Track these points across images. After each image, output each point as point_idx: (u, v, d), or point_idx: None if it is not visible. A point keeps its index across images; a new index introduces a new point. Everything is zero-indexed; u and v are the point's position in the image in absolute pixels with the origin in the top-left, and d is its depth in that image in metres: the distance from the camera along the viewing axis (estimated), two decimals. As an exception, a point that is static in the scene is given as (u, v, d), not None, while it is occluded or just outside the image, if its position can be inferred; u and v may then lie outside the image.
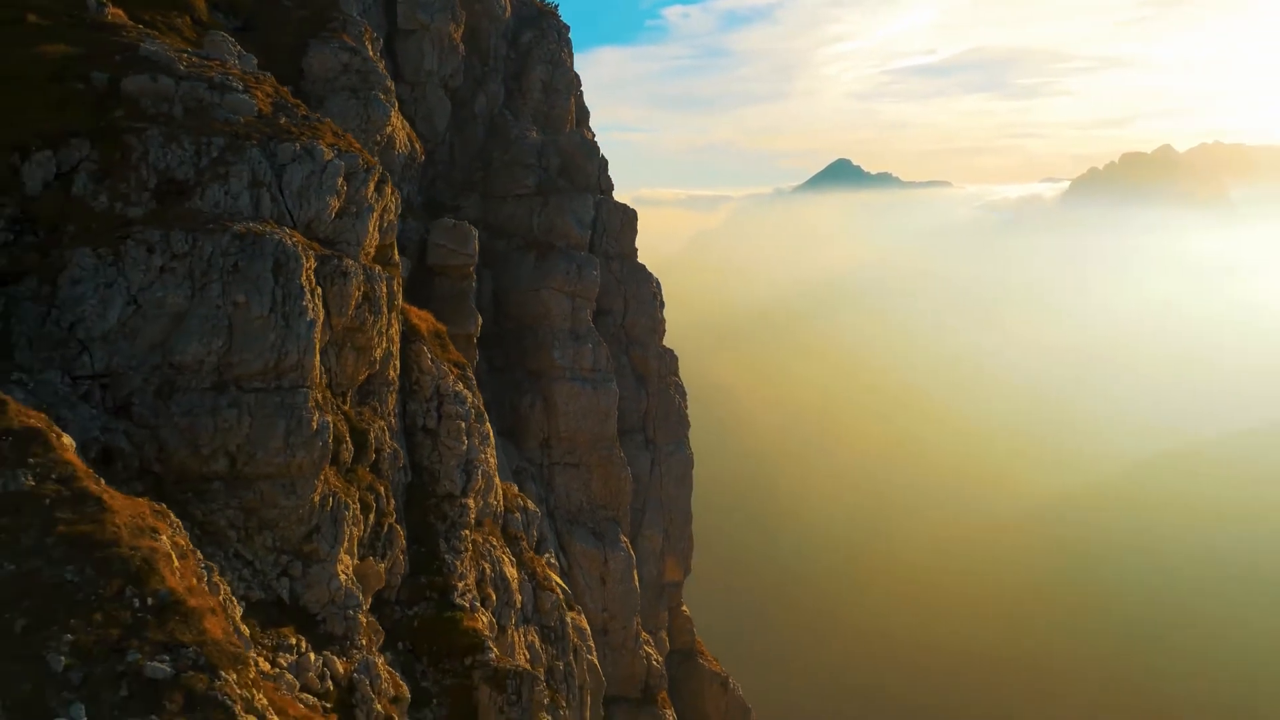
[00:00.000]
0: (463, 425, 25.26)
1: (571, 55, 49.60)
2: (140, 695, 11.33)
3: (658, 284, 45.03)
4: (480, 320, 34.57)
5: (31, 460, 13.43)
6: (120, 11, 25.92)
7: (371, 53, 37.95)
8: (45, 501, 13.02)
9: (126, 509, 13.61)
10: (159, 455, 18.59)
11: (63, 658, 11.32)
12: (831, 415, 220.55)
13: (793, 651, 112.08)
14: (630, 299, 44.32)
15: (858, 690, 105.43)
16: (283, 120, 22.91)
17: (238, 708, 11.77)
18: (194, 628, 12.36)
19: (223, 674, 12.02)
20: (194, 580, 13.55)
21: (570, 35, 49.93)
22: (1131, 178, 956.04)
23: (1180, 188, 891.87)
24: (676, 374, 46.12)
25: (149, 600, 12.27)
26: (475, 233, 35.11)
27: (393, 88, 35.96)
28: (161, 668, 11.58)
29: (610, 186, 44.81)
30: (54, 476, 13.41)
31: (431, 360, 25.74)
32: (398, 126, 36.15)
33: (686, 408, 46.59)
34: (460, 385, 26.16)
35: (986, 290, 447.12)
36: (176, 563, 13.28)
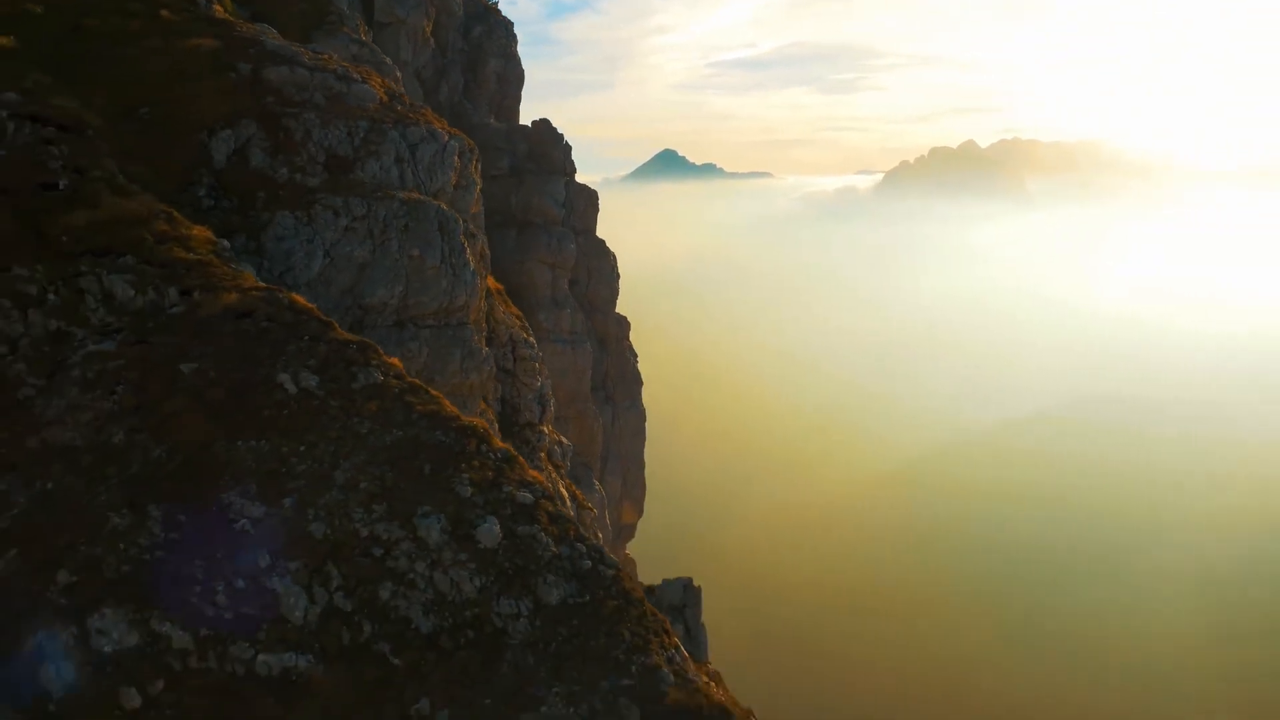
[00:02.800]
0: (535, 366, 30.09)
1: (517, 49, 54.09)
2: (520, 514, 16.15)
3: (614, 258, 50.31)
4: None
5: (374, 362, 17.86)
6: (220, 7, 29.33)
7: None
8: (395, 390, 17.51)
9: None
10: (355, 380, 22.82)
11: (468, 488, 16.05)
12: (660, 402, 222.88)
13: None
14: (593, 270, 49.41)
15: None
16: (399, 108, 27.19)
17: (573, 523, 16.75)
18: (527, 473, 17.21)
19: (557, 502, 16.94)
20: (499, 448, 18.30)
21: (515, 30, 54.49)
22: (939, 171, 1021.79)
23: (983, 180, 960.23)
24: (629, 338, 51.60)
25: (497, 454, 17.05)
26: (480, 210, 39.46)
27: (400, 78, 39.81)
28: (527, 496, 16.44)
29: (574, 169, 49.67)
30: (392, 374, 17.89)
31: (503, 311, 30.43)
32: (407, 113, 40.06)
33: (638, 368, 52.18)
34: (525, 333, 30.93)
35: (805, 280, 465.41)
36: (488, 435, 18.03)
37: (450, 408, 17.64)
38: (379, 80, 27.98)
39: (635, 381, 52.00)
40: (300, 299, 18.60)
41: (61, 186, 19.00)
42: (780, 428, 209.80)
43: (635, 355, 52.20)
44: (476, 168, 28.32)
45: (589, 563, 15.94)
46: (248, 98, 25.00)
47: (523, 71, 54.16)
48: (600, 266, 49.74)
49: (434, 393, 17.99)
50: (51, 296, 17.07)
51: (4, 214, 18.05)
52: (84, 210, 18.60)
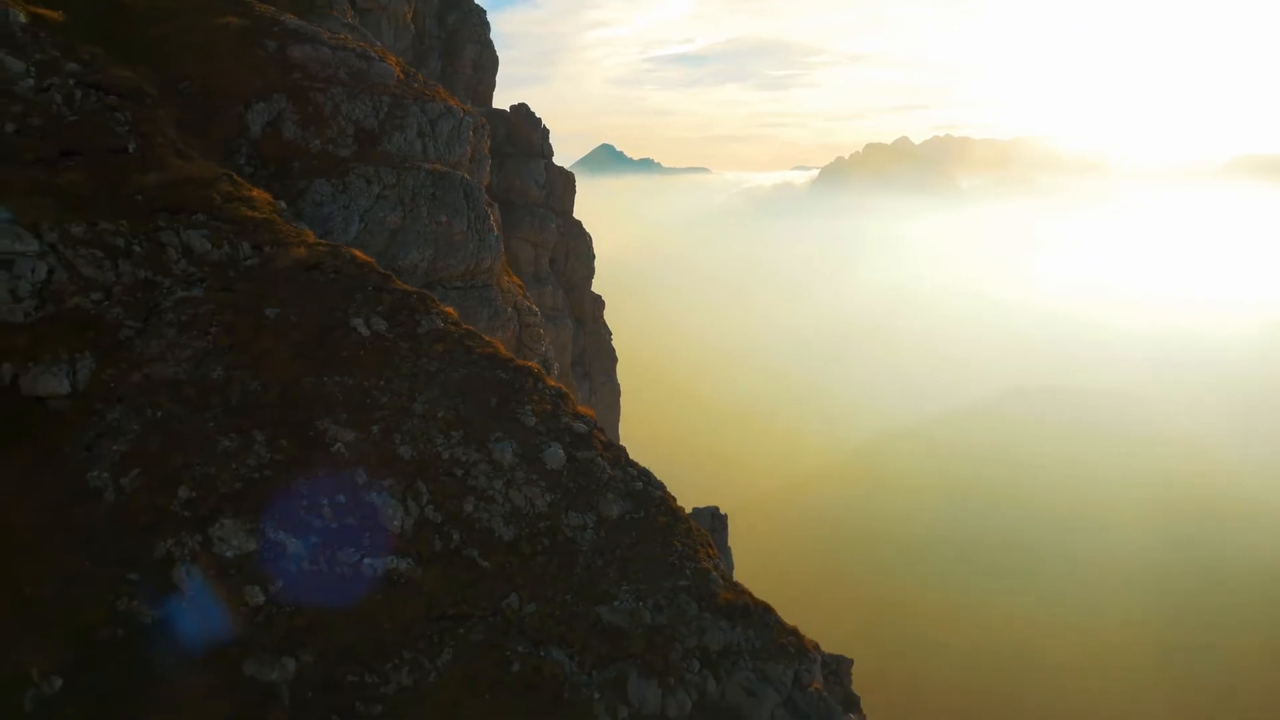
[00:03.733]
0: (540, 332, 31.84)
1: (491, 36, 55.52)
2: (578, 441, 18.02)
3: (590, 238, 52.05)
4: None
5: (434, 310, 19.56)
6: (237, -12, 30.52)
7: (356, 29, 42.89)
8: (455, 334, 19.24)
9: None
10: (390, 337, 24.42)
11: (531, 418, 17.87)
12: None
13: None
14: (571, 250, 51.07)
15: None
16: (415, 85, 28.75)
17: (623, 450, 18.65)
18: (578, 408, 19.07)
19: (604, 431, 18.83)
20: (547, 388, 20.11)
21: (488, 18, 55.88)
22: (874, 166, 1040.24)
23: (917, 176, 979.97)
24: (604, 316, 53.39)
25: (552, 391, 18.89)
26: (471, 187, 41.09)
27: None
28: (582, 426, 18.32)
29: (551, 152, 51.28)
30: (450, 321, 19.60)
31: (507, 281, 32.12)
32: (397, 95, 41.42)
33: (613, 345, 53.98)
34: (528, 300, 32.68)
35: (743, 274, 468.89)
36: (537, 376, 19.84)
37: (505, 351, 19.44)
38: (394, 59, 29.49)
39: (610, 358, 53.89)
40: (360, 254, 20.22)
41: (131, 150, 20.35)
42: (717, 421, 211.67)
43: (610, 332, 54.09)
44: (487, 143, 29.97)
45: (640, 484, 17.89)
46: (277, 73, 26.39)
47: (497, 57, 55.61)
48: (577, 246, 51.49)
49: (488, 338, 19.76)
50: (136, 248, 18.48)
51: (81, 174, 19.38)
52: (154, 172, 19.99)
